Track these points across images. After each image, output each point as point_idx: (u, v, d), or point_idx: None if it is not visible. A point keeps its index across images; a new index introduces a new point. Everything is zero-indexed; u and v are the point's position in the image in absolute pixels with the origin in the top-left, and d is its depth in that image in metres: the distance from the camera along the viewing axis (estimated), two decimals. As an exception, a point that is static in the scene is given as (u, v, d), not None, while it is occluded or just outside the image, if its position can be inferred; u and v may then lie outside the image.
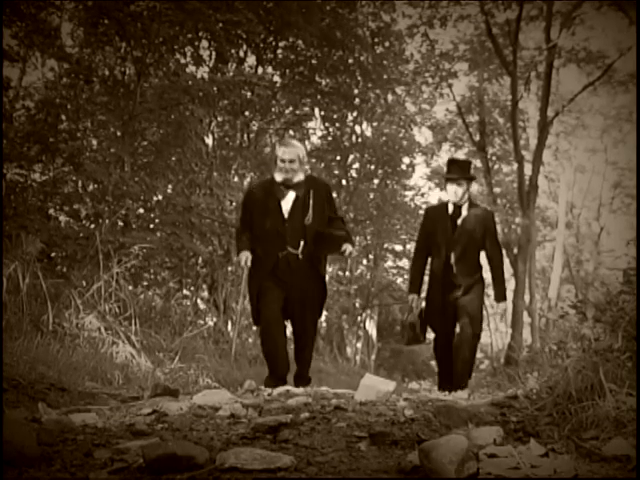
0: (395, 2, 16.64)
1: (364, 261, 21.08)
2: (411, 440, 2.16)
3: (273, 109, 13.92)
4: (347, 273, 20.57)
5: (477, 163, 19.42)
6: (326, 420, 2.44)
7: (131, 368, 5.06)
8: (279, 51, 14.21)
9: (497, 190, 21.18)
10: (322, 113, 16.42)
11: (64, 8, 10.33)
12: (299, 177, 5.02)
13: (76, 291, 5.77)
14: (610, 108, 24.83)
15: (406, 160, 19.27)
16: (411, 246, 17.61)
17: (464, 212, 5.44)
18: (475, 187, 6.33)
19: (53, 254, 7.99)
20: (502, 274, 5.54)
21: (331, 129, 17.22)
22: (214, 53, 12.74)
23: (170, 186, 11.46)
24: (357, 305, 20.29)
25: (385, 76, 15.50)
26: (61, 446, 2.03)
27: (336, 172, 17.77)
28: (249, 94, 11.58)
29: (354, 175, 18.47)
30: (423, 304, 5.56)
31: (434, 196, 21.36)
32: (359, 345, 20.32)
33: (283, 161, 4.97)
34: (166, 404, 2.73)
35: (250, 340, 12.00)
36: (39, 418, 2.42)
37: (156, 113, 10.65)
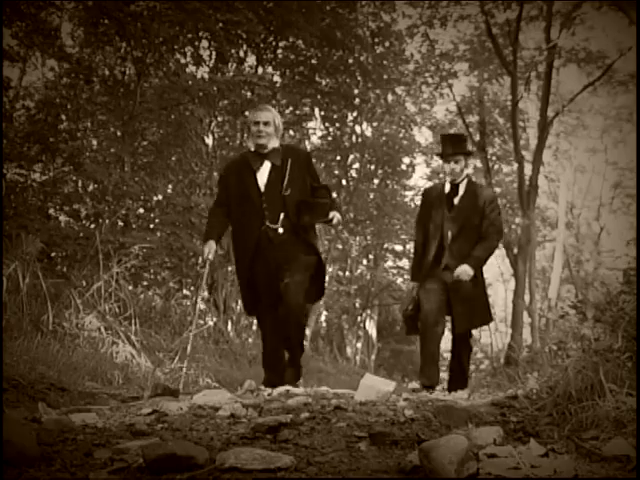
0: (395, 2, 16.65)
1: (364, 261, 21.10)
2: (411, 440, 2.16)
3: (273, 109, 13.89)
4: (347, 273, 20.58)
5: (477, 163, 19.42)
6: (326, 420, 2.44)
7: (131, 368, 5.06)
8: (279, 51, 14.21)
9: (497, 190, 21.16)
10: (322, 113, 16.43)
11: (64, 8, 10.33)
12: (274, 143, 4.64)
13: (76, 291, 5.77)
14: (610, 108, 24.84)
15: (406, 160, 19.29)
16: (411, 246, 17.60)
17: (461, 190, 5.08)
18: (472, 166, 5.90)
19: (53, 254, 8.00)
20: (487, 249, 5.00)
21: (331, 129, 17.23)
22: (214, 53, 12.75)
23: (170, 186, 11.47)
24: (357, 305, 20.31)
25: (385, 76, 15.51)
26: (61, 446, 2.03)
27: (336, 172, 17.78)
28: (249, 94, 11.58)
29: (354, 175, 18.48)
30: None
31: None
32: (359, 345, 20.32)
33: (257, 124, 4.59)
34: (166, 404, 2.73)
35: (250, 340, 12.00)
36: (39, 418, 2.42)
37: (156, 113, 10.66)
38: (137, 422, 2.42)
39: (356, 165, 18.60)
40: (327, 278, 4.89)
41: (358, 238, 20.11)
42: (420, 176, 23.32)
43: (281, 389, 3.75)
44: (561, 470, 1.80)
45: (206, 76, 11.29)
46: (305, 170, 4.72)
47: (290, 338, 4.69)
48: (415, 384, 5.03)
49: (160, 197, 10.46)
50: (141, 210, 10.44)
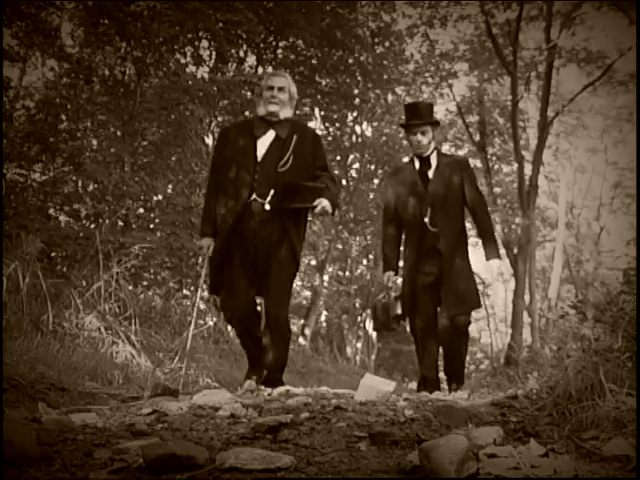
0: (395, 2, 16.65)
1: (364, 261, 21.09)
2: (411, 440, 2.16)
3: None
4: (347, 273, 20.58)
5: (477, 163, 19.43)
6: (326, 420, 2.44)
7: (131, 368, 5.06)
8: (279, 51, 14.22)
9: (497, 190, 21.18)
10: (322, 113, 16.44)
11: (64, 8, 10.34)
12: (286, 112, 4.27)
13: (76, 291, 5.77)
14: (610, 108, 24.85)
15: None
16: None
17: (434, 162, 4.68)
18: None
19: (53, 254, 8.00)
20: (490, 226, 4.70)
21: (331, 129, 17.24)
22: (214, 53, 12.76)
23: (170, 186, 11.46)
24: (357, 305, 20.30)
25: (385, 76, 15.51)
26: (61, 446, 2.03)
27: (336, 172, 17.77)
28: (249, 94, 11.58)
29: (354, 175, 18.49)
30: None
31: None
32: (359, 345, 20.32)
33: (271, 88, 4.22)
34: (166, 404, 2.73)
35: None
36: (39, 418, 2.42)
37: (156, 113, 10.66)
38: (137, 422, 2.42)
39: (356, 165, 18.60)
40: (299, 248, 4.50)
41: (358, 238, 20.11)
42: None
43: (281, 389, 3.75)
44: (561, 470, 1.80)
45: (206, 76, 11.28)
46: (310, 151, 4.33)
47: (275, 348, 4.24)
48: (415, 384, 4.96)
49: (160, 197, 10.46)
50: (141, 210, 10.43)
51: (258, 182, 4.18)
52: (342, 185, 17.43)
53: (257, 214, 4.18)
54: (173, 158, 11.92)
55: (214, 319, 10.17)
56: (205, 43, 12.61)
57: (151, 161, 11.55)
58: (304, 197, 4.18)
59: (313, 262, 19.34)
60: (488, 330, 25.81)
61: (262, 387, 4.03)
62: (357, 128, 17.94)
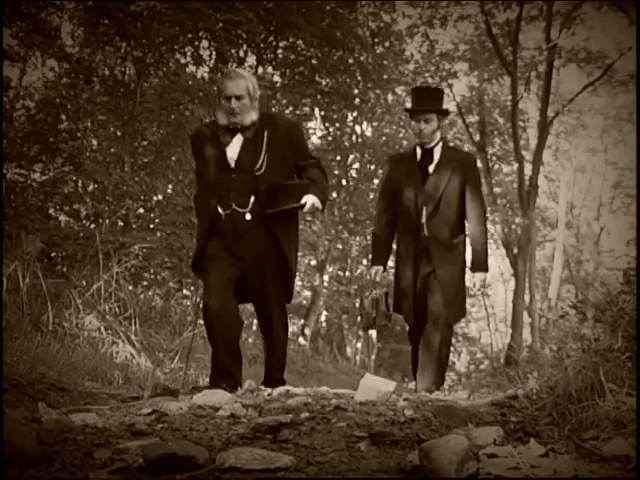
0: (395, 2, 16.66)
1: (364, 261, 21.07)
2: (411, 440, 2.16)
3: (273, 109, 13.93)
4: (347, 273, 20.57)
5: (477, 163, 19.42)
6: (326, 420, 2.44)
7: (131, 368, 5.06)
8: (279, 51, 14.23)
9: (497, 190, 21.18)
10: (322, 113, 16.45)
11: (64, 8, 10.34)
12: (250, 117, 3.89)
13: (76, 291, 5.77)
14: (610, 108, 24.85)
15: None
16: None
17: (436, 156, 4.31)
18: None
19: (53, 254, 8.00)
20: (482, 237, 4.35)
21: (331, 129, 17.25)
22: (214, 53, 12.76)
23: (170, 186, 11.46)
24: (357, 305, 20.29)
25: (385, 76, 15.52)
26: (61, 446, 2.03)
27: (336, 172, 17.78)
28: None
29: (354, 175, 18.49)
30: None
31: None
32: (359, 345, 20.32)
33: (228, 99, 3.84)
34: (166, 404, 2.73)
35: (250, 340, 12.00)
36: (39, 418, 2.42)
37: (156, 113, 10.66)
38: (137, 422, 2.41)
39: (356, 165, 18.61)
40: (295, 283, 4.24)
41: (358, 238, 20.10)
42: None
43: (281, 389, 3.75)
44: (561, 470, 1.80)
45: (206, 76, 11.29)
46: (287, 143, 3.97)
47: (273, 345, 4.09)
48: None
49: (160, 197, 10.47)
50: (141, 210, 10.44)
51: (235, 190, 3.87)
52: (341, 185, 17.41)
53: (240, 225, 3.89)
54: (173, 158, 11.92)
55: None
56: (205, 43, 12.63)
57: (151, 161, 11.56)
58: (288, 198, 3.85)
59: (313, 262, 19.35)
60: (488, 330, 25.80)
61: (262, 387, 4.00)
62: (357, 128, 17.95)
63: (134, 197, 9.50)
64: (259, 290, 3.99)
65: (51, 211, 8.93)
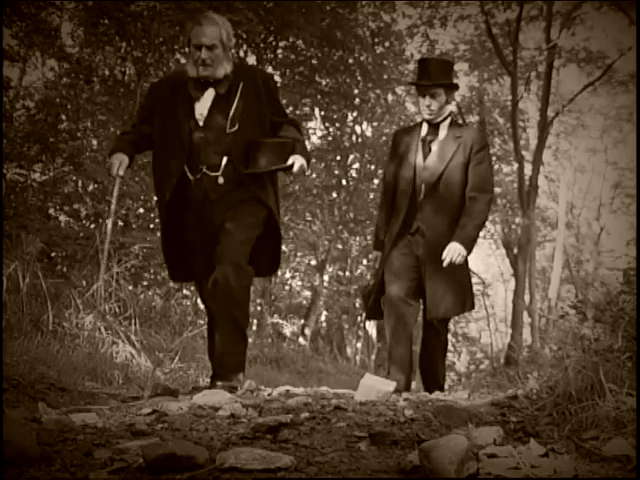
0: (395, 2, 16.67)
1: (364, 261, 21.08)
2: (411, 440, 2.16)
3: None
4: (347, 273, 20.57)
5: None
6: (326, 420, 2.44)
7: (131, 368, 5.05)
8: (279, 51, 14.24)
9: (497, 190, 21.19)
10: (322, 113, 16.46)
11: (64, 8, 10.35)
12: (224, 69, 3.48)
13: (76, 291, 5.77)
14: (610, 108, 24.87)
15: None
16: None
17: (442, 132, 4.01)
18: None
19: (53, 254, 8.00)
20: (479, 216, 3.92)
21: (331, 129, 17.25)
22: (214, 53, 12.74)
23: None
24: (357, 305, 20.29)
25: (385, 76, 15.54)
26: (61, 446, 2.03)
27: (336, 172, 17.79)
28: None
29: (354, 175, 18.49)
30: None
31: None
32: (359, 345, 20.32)
33: (198, 47, 3.41)
34: (166, 404, 2.73)
35: (250, 340, 11.99)
36: (39, 418, 2.42)
37: (156, 113, 10.65)
38: (137, 422, 2.41)
39: (356, 165, 18.60)
40: (283, 247, 3.78)
41: (358, 238, 20.10)
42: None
43: (281, 389, 3.75)
44: (561, 470, 1.80)
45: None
46: (262, 99, 3.56)
47: (223, 316, 3.48)
48: (415, 384, 4.88)
49: (160, 197, 10.46)
50: (141, 210, 10.44)
51: (205, 151, 3.46)
52: (341, 185, 17.40)
53: (211, 191, 3.46)
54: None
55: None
56: (205, 43, 12.61)
57: (151, 161, 11.55)
58: (273, 157, 3.43)
59: (313, 262, 19.35)
60: (488, 330, 25.81)
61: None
62: (357, 128, 17.95)
63: (134, 197, 9.50)
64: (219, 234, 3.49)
65: (51, 211, 8.94)
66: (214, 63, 3.45)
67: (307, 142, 16.92)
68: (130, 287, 7.07)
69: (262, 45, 13.59)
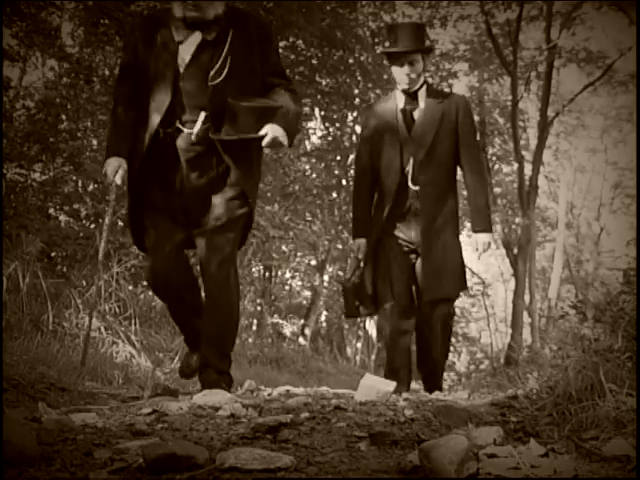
0: (395, 2, 16.66)
1: (364, 261, 21.11)
2: (411, 440, 2.15)
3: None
4: (347, 273, 20.57)
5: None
6: (326, 420, 2.44)
7: (131, 368, 5.06)
8: (279, 51, 14.22)
9: (497, 190, 21.18)
10: (322, 113, 16.45)
11: (64, 8, 10.35)
12: (214, 10, 3.03)
13: (76, 291, 5.77)
14: (610, 108, 24.88)
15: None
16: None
17: (422, 100, 3.70)
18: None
19: (53, 254, 8.00)
20: (484, 187, 3.76)
21: (331, 129, 17.24)
22: (214, 53, 12.75)
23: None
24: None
25: (385, 76, 15.51)
26: (61, 446, 2.03)
27: (336, 172, 17.78)
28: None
29: (354, 175, 18.46)
30: None
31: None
32: (359, 345, 20.32)
33: None
34: (166, 404, 2.73)
35: (250, 340, 12.00)
36: (39, 418, 2.41)
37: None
38: (137, 422, 2.41)
39: (356, 165, 18.57)
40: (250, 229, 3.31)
41: (358, 238, 20.09)
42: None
43: (281, 389, 3.75)
44: (561, 470, 1.80)
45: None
46: (255, 51, 3.12)
47: (215, 329, 3.20)
48: (415, 384, 4.83)
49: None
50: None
51: (181, 104, 3.03)
52: (341, 185, 17.38)
53: (183, 150, 3.07)
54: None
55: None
56: (205, 43, 12.61)
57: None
58: (246, 124, 2.94)
59: (313, 262, 19.34)
60: (488, 330, 25.80)
61: (262, 387, 3.82)
62: (357, 128, 17.93)
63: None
64: (204, 235, 3.15)
65: (51, 211, 8.93)
66: (203, 2, 3.00)
67: (307, 142, 16.91)
68: (130, 287, 7.07)
69: (262, 45, 13.61)
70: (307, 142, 16.94)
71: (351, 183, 18.38)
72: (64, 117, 9.40)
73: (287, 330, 17.36)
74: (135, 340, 5.69)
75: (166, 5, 3.31)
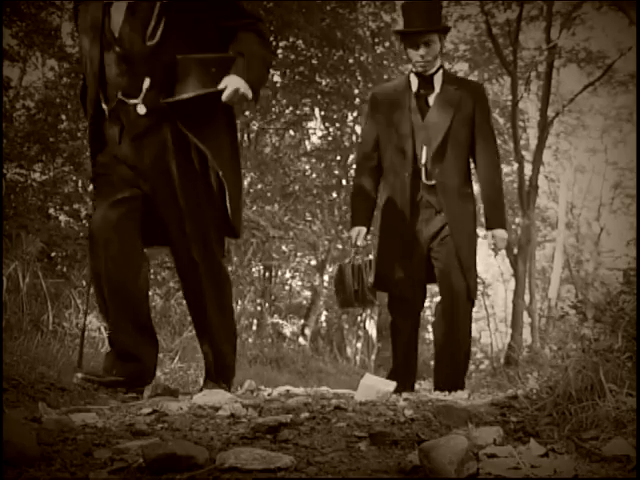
0: (395, 2, 16.66)
1: (364, 261, 21.10)
2: (411, 440, 2.15)
3: (273, 109, 13.96)
4: (347, 273, 20.56)
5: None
6: (326, 420, 2.44)
7: (131, 368, 5.05)
8: (279, 51, 14.22)
9: (497, 190, 21.17)
10: (322, 113, 16.45)
11: (64, 8, 10.34)
12: None
13: (76, 291, 5.77)
14: (610, 108, 24.91)
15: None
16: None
17: (437, 84, 3.46)
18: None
19: (53, 254, 8.00)
20: (497, 183, 3.53)
21: (331, 129, 17.24)
22: (214, 53, 12.75)
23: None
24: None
25: (385, 76, 15.53)
26: (61, 446, 2.03)
27: (336, 172, 17.78)
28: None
29: (354, 175, 18.46)
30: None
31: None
32: (359, 345, 20.32)
33: None
34: (166, 404, 2.73)
35: (250, 340, 12.01)
36: (39, 418, 2.41)
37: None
38: (137, 422, 2.41)
39: (356, 165, 18.59)
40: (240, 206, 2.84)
41: (358, 238, 20.10)
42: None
43: (281, 389, 3.75)
44: (561, 470, 1.80)
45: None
46: None
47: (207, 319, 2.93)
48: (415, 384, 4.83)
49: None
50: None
51: (121, 74, 2.62)
52: (341, 185, 17.37)
53: (131, 124, 2.66)
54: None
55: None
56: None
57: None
58: (200, 80, 2.51)
59: (313, 262, 19.34)
60: (488, 330, 25.81)
61: (262, 388, 3.90)
62: (357, 128, 17.94)
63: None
64: (176, 226, 2.73)
65: (51, 211, 8.93)
66: None
67: (307, 142, 16.91)
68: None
69: (262, 45, 13.60)
70: (307, 142, 16.94)
71: (351, 183, 18.38)
72: (64, 117, 9.40)
73: (287, 330, 17.36)
74: (135, 340, 5.69)
75: None
